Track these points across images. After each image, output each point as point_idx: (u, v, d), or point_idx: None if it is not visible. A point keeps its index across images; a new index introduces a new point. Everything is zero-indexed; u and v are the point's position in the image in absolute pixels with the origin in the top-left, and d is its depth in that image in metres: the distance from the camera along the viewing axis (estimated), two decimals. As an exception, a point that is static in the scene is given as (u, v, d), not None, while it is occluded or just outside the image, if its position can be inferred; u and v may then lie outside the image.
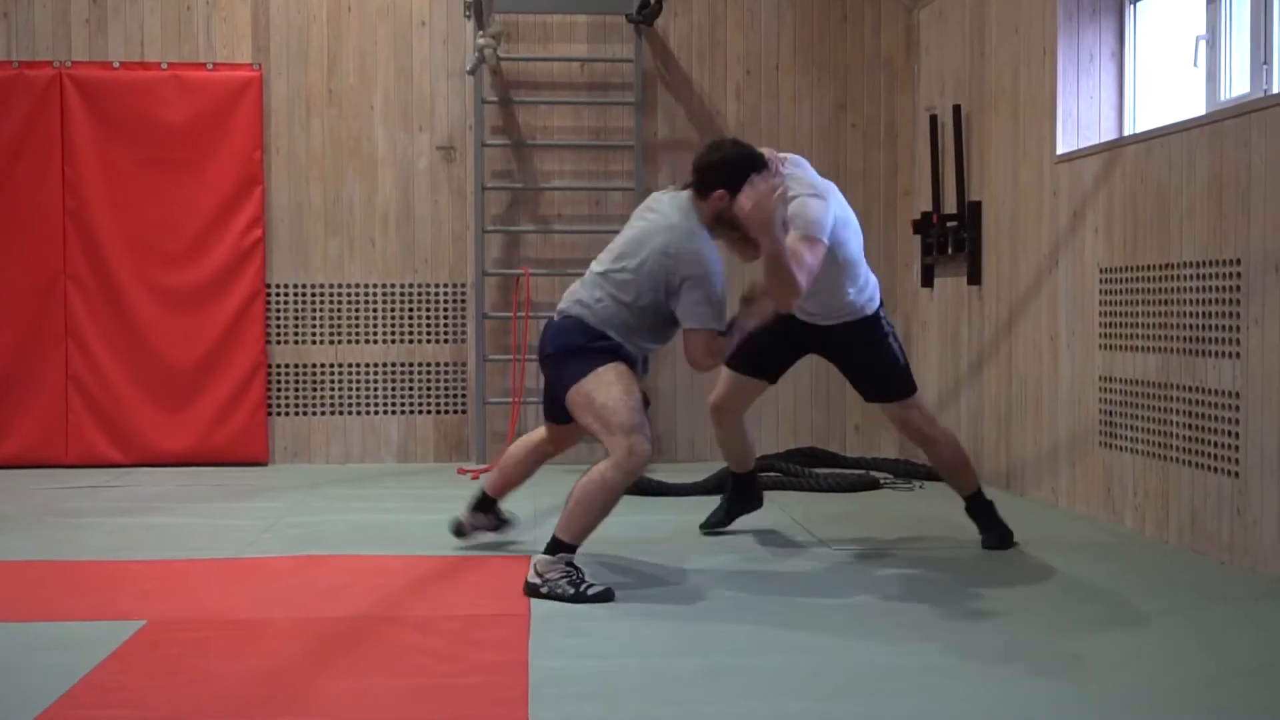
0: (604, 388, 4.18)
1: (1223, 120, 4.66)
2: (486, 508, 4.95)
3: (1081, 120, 5.87)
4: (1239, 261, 4.52)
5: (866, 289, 4.75)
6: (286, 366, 7.58)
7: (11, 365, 7.27)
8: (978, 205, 6.73)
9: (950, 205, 7.01)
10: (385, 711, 3.01)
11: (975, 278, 6.75)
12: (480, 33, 7.09)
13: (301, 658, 3.47)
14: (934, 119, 7.25)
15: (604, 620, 3.86)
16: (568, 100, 7.64)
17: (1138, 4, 5.77)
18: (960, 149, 6.86)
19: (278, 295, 7.55)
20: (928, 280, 7.38)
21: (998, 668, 3.35)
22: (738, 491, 5.30)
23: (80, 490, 6.54)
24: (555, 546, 4.15)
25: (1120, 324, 5.34)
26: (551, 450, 4.80)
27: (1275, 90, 4.64)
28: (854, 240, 4.67)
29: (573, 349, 4.29)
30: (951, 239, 6.97)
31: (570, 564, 4.14)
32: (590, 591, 4.08)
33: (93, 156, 7.32)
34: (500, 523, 5.00)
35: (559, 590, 4.07)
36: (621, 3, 7.50)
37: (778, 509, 5.79)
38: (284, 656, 3.48)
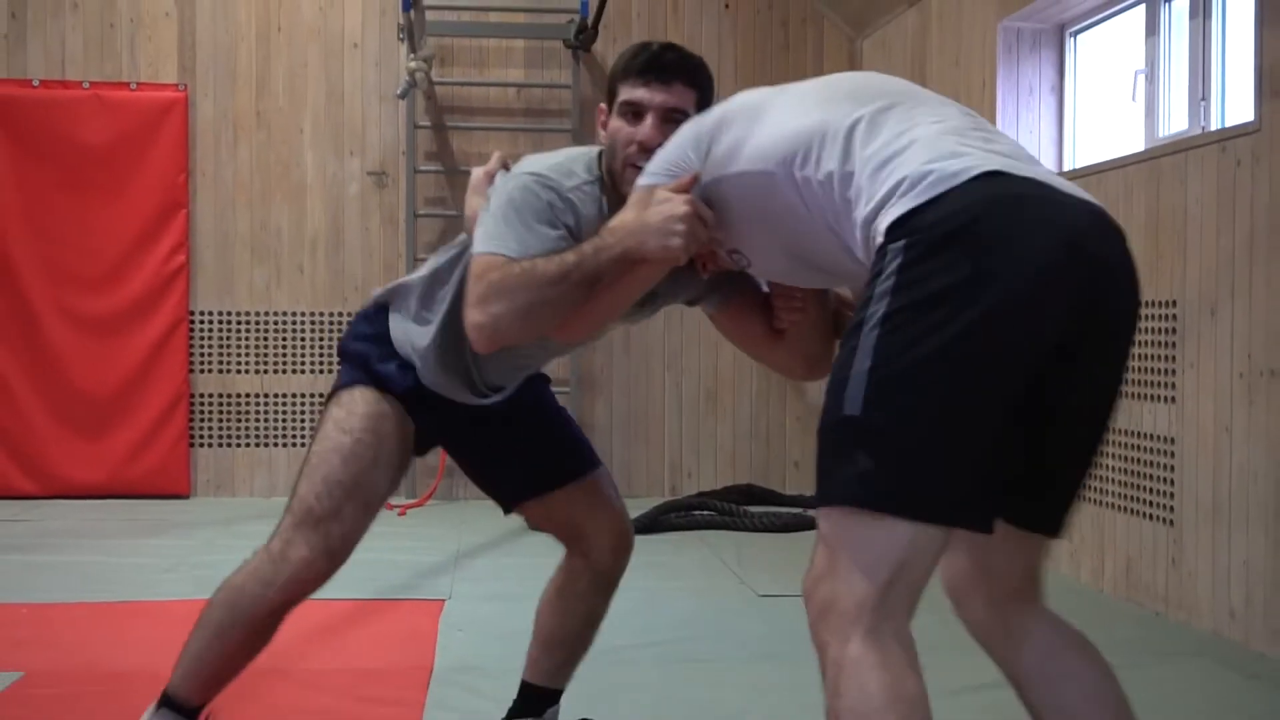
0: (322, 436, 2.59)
1: (1159, 158, 4.53)
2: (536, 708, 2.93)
3: (1021, 154, 5.74)
4: (1174, 303, 4.39)
5: None
6: (210, 396, 7.34)
7: (-81, 392, 7.01)
8: (918, 239, 6.59)
9: (891, 238, 6.88)
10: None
11: (915, 313, 6.61)
12: (411, 55, 6.91)
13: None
14: (875, 150, 7.12)
15: (509, 675, 3.67)
16: (503, 126, 7.46)
17: (1078, 37, 5.66)
18: (901, 181, 6.73)
19: (202, 323, 7.32)
20: (868, 314, 7.24)
21: None
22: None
23: (-11, 524, 6.29)
24: (163, 701, 2.62)
25: (1057, 364, 5.20)
26: (575, 564, 2.87)
27: (1213, 127, 4.52)
28: None
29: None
30: (892, 273, 6.83)
31: None
32: None
33: (8, 176, 7.07)
34: None
35: None
36: (559, 28, 7.35)
37: (709, 551, 5.61)
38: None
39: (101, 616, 4.37)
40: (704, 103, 2.40)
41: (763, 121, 2.10)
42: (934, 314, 1.71)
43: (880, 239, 1.80)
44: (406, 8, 6.83)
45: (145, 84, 7.23)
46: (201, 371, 7.33)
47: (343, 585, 4.70)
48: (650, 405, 7.54)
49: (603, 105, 2.47)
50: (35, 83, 7.15)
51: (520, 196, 2.31)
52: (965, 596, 2.06)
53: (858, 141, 1.93)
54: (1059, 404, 1.90)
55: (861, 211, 1.87)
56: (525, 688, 2.91)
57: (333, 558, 2.52)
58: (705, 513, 6.41)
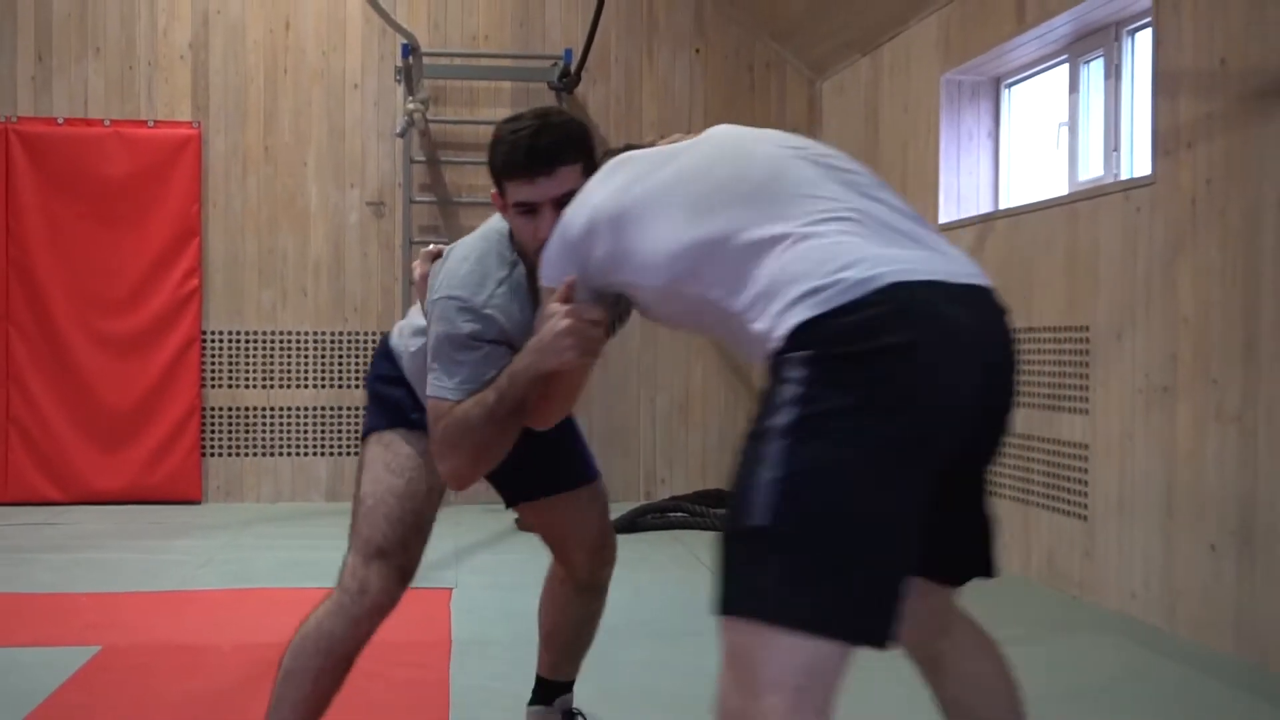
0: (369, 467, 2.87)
1: (1076, 202, 5.23)
2: (546, 697, 3.27)
3: (961, 193, 6.43)
4: (1088, 328, 5.07)
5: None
6: (220, 409, 7.94)
7: (-46, 407, 7.60)
8: (871, 266, 7.27)
9: (847, 265, 7.54)
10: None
11: (869, 333, 7.29)
12: (410, 98, 7.55)
13: (242, 679, 3.86)
14: (833, 184, 7.79)
15: (520, 646, 4.29)
16: (492, 161, 8.08)
17: (1011, 89, 6.35)
18: (856, 214, 7.40)
19: (213, 341, 7.92)
20: (827, 334, 7.91)
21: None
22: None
23: (21, 527, 6.86)
24: None
25: (992, 380, 5.88)
26: (558, 568, 3.18)
27: (1123, 176, 5.21)
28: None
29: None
30: (848, 297, 7.50)
31: None
32: None
33: (36, 208, 7.67)
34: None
35: None
36: (544, 71, 7.99)
37: (683, 548, 6.26)
38: (226, 679, 3.88)
39: (157, 603, 4.98)
40: (590, 167, 2.41)
41: (634, 235, 2.08)
42: (842, 426, 1.71)
43: (780, 346, 1.81)
44: (406, 54, 7.49)
45: (162, 122, 7.84)
46: (213, 386, 7.93)
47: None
48: (627, 418, 8.18)
49: (494, 192, 2.49)
50: (60, 121, 7.75)
51: (443, 331, 2.46)
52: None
53: (745, 257, 1.92)
54: (958, 484, 1.99)
55: (761, 325, 1.87)
56: (537, 679, 3.25)
57: (405, 581, 2.79)
58: (679, 514, 7.07)
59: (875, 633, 1.74)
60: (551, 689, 3.24)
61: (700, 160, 2.11)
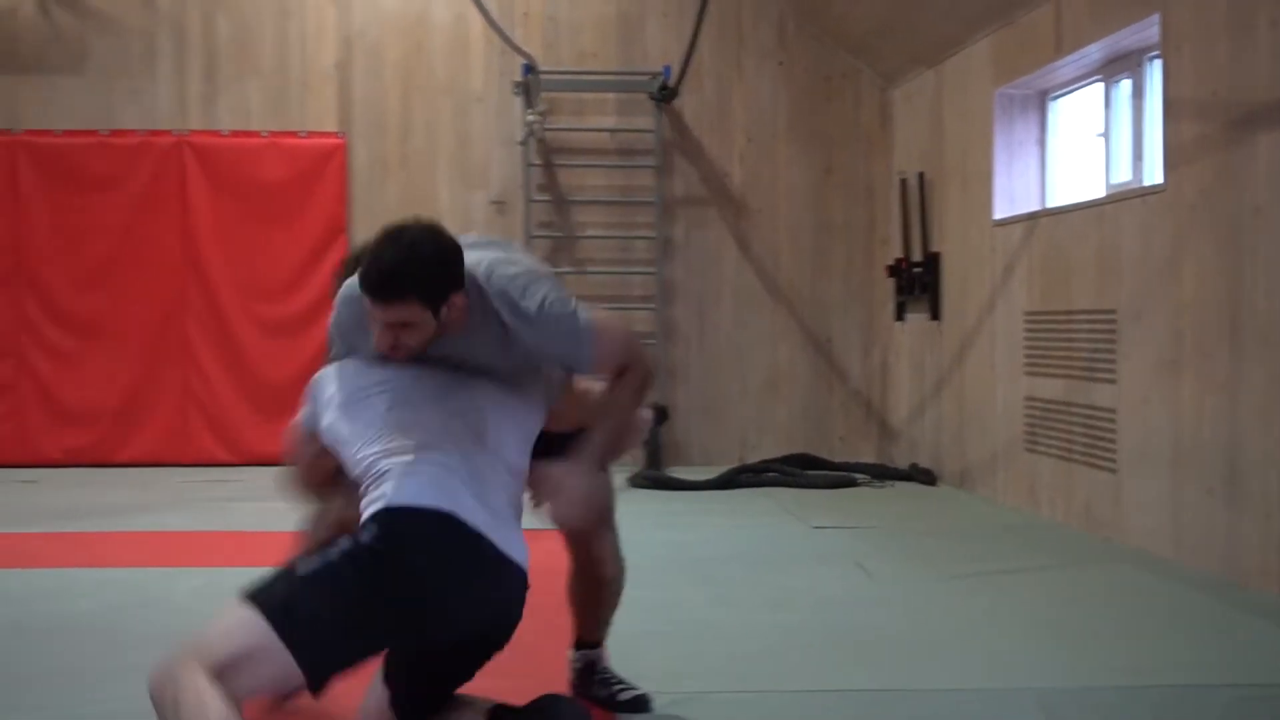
0: None
1: (1104, 205, 6.17)
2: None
3: (1014, 192, 7.36)
4: (1114, 311, 6.02)
5: None
6: (363, 384, 9.06)
7: (142, 382, 8.82)
8: (937, 255, 8.24)
9: (917, 254, 8.51)
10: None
11: (935, 315, 8.26)
12: (529, 110, 8.62)
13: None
14: (904, 182, 8.76)
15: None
16: (600, 164, 9.15)
17: (1056, 101, 7.27)
18: (924, 208, 8.38)
19: (357, 325, 9.04)
20: (900, 316, 8.89)
21: (893, 588, 4.86)
22: None
23: (206, 484, 8.04)
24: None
25: (1038, 356, 6.84)
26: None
27: (1144, 183, 6.13)
28: None
29: None
30: (917, 282, 8.47)
31: None
32: None
33: (206, 210, 8.85)
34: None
35: None
36: (644, 83, 9.01)
37: (774, 502, 7.29)
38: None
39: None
40: (434, 297, 2.80)
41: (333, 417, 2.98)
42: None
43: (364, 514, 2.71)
44: (526, 72, 8.55)
45: (312, 133, 8.98)
46: (357, 364, 9.05)
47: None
48: (722, 391, 9.21)
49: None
50: (225, 133, 8.92)
51: (557, 288, 3.04)
52: None
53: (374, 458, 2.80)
54: None
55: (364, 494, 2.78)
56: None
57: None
58: (771, 474, 8.09)
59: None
60: (578, 645, 3.50)
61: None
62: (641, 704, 3.40)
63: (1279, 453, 4.81)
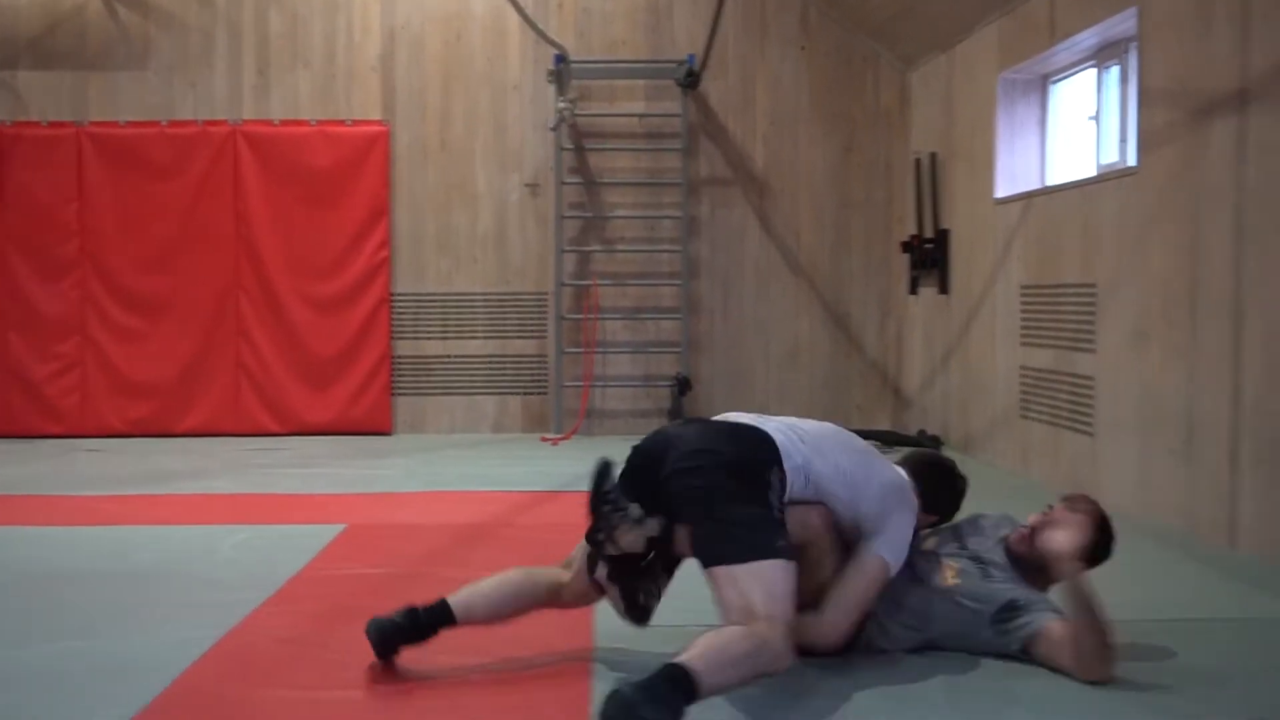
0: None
1: (1088, 185, 6.55)
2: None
3: (1015, 172, 7.74)
4: (1094, 285, 6.41)
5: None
6: (406, 357, 9.62)
7: (197, 356, 9.40)
8: (946, 232, 8.63)
9: (929, 230, 8.90)
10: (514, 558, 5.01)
11: (944, 288, 8.65)
12: (561, 97, 9.09)
13: (446, 546, 5.46)
14: (918, 162, 9.14)
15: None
16: (628, 147, 9.61)
17: (1055, 85, 7.64)
18: (935, 187, 8.77)
19: (400, 302, 9.59)
20: (913, 289, 9.29)
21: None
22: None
23: (256, 451, 8.61)
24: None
25: (1031, 327, 7.24)
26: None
27: (1129, 163, 6.50)
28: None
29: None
30: (929, 258, 8.87)
31: None
32: None
33: (259, 194, 9.40)
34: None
35: None
36: (671, 69, 9.44)
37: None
38: (436, 544, 5.47)
39: (379, 500, 6.63)
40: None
41: None
42: None
43: None
44: (558, 62, 9.02)
45: (358, 121, 9.50)
46: (400, 338, 9.61)
47: (523, 485, 6.90)
48: (747, 361, 9.66)
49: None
50: (276, 122, 9.46)
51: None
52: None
53: None
54: None
55: None
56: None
57: None
58: (784, 441, 8.51)
59: None
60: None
61: None
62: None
63: (1229, 415, 5.21)
